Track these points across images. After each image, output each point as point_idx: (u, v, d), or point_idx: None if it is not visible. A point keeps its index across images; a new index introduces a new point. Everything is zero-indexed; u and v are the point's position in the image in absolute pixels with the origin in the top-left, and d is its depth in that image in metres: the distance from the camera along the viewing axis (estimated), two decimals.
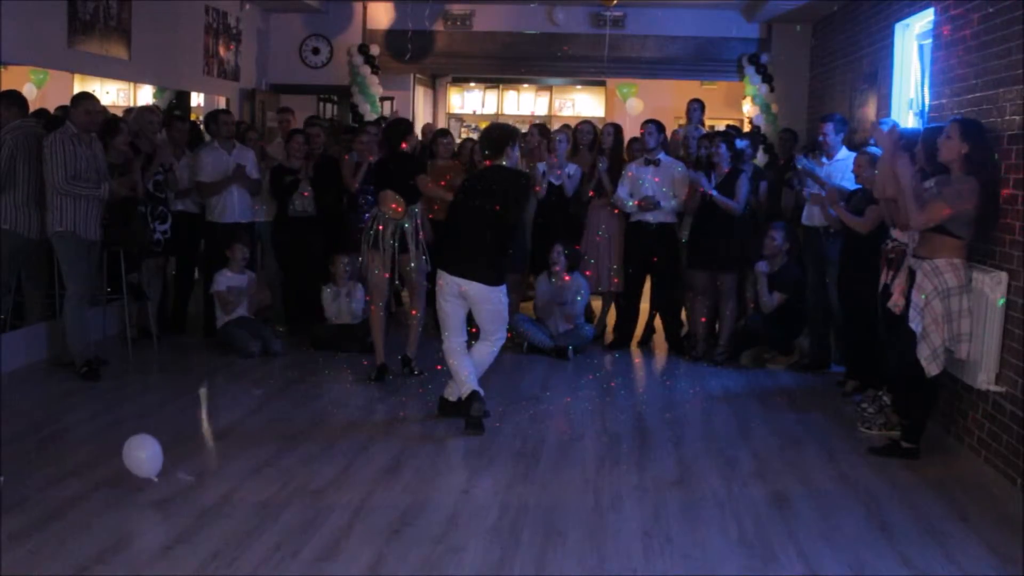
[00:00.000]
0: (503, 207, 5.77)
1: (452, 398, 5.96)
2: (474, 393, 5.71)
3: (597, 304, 8.69)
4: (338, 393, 6.81)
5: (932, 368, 5.18)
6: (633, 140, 8.44)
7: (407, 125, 7.28)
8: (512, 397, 6.49)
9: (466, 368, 5.79)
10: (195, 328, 8.30)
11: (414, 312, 7.05)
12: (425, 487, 4.79)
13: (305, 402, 6.33)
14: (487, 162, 6.04)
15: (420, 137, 9.83)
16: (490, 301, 5.82)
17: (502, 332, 6.00)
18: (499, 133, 6.06)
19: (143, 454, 4.70)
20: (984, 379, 5.12)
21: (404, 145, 6.87)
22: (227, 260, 7.78)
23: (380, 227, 6.69)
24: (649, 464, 5.26)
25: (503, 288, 5.89)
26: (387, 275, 6.75)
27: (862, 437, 5.83)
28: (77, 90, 9.15)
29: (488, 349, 5.95)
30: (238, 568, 3.82)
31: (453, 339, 5.88)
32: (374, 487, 4.75)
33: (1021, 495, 4.70)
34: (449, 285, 5.81)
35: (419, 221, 6.85)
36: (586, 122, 8.92)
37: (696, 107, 9.45)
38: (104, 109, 7.48)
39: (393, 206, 6.70)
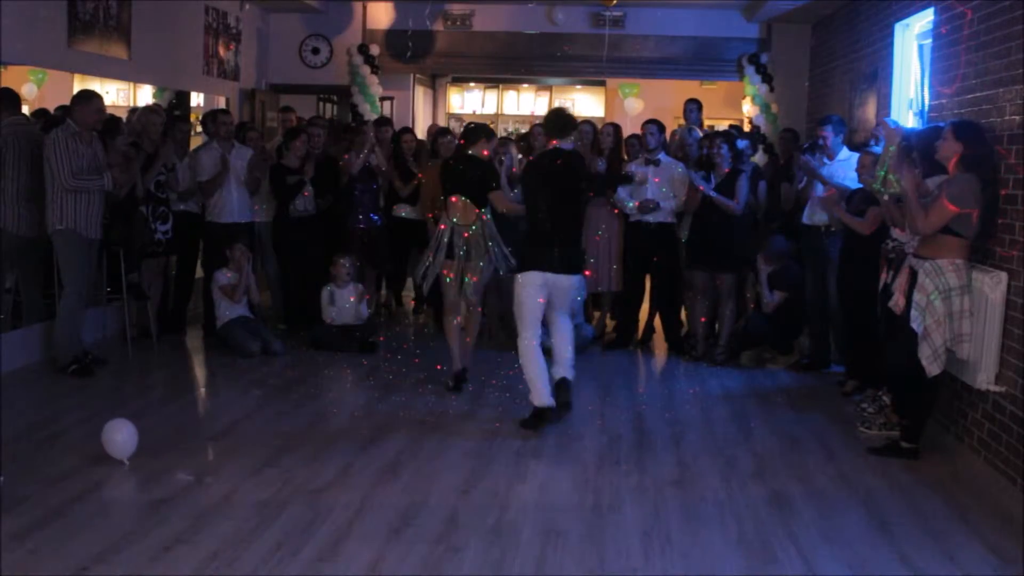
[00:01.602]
0: (575, 186, 5.88)
1: (568, 375, 5.98)
2: (544, 410, 5.78)
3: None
4: (338, 393, 6.82)
5: (933, 368, 5.18)
6: (631, 138, 8.43)
7: (488, 130, 6.89)
8: (512, 397, 6.48)
9: (541, 378, 5.81)
10: (195, 328, 8.30)
11: (468, 339, 6.76)
12: (425, 487, 4.79)
13: (305, 402, 6.33)
14: (552, 142, 5.99)
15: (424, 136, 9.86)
16: (576, 288, 5.97)
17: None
18: (566, 116, 6.09)
19: (117, 436, 4.92)
20: (984, 379, 5.11)
21: (485, 152, 6.61)
22: (226, 260, 7.78)
23: (447, 234, 6.45)
24: (649, 464, 5.27)
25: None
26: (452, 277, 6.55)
27: (862, 437, 5.83)
28: (77, 90, 9.13)
29: (568, 325, 6.02)
30: (238, 568, 3.83)
31: (531, 336, 5.87)
32: (374, 487, 4.75)
33: (1021, 495, 4.70)
34: (539, 282, 5.82)
35: (490, 229, 6.53)
36: (587, 122, 8.90)
37: (693, 107, 9.45)
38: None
39: (449, 214, 6.50)
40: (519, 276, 5.90)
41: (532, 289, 5.83)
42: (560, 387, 5.90)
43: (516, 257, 6.30)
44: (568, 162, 5.91)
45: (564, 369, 5.94)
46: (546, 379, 5.83)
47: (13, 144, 6.67)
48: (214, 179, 7.93)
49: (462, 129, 7.23)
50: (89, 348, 6.98)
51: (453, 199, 6.48)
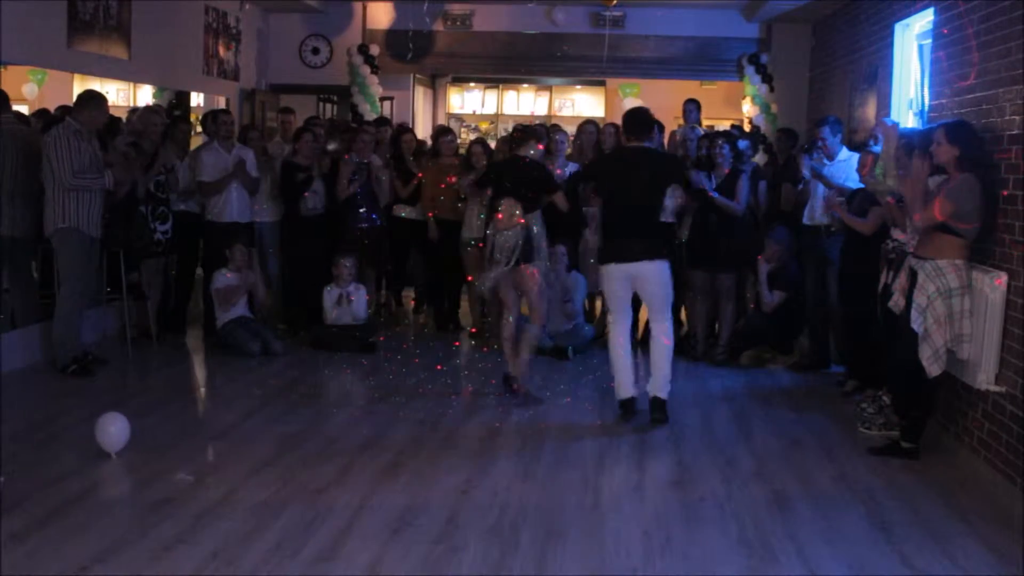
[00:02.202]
0: (653, 185, 6.04)
1: (661, 395, 6.04)
2: (627, 402, 6.00)
3: (597, 304, 8.69)
4: (338, 393, 6.82)
5: (933, 369, 5.18)
6: None
7: (539, 131, 6.85)
8: (512, 397, 6.48)
9: (623, 372, 6.01)
10: (195, 328, 8.30)
11: (522, 350, 6.52)
12: (425, 487, 4.79)
13: (305, 402, 6.33)
14: (631, 141, 6.17)
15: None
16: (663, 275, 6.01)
17: (670, 312, 6.17)
18: (647, 115, 6.23)
19: (111, 428, 5.04)
20: (984, 379, 5.11)
21: (541, 146, 6.75)
22: (226, 260, 7.78)
23: (496, 239, 6.35)
24: (649, 464, 5.27)
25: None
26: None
27: (862, 437, 5.83)
28: (77, 90, 9.14)
29: (664, 339, 6.08)
30: (238, 568, 3.82)
31: (619, 332, 6.05)
32: (374, 487, 4.75)
33: (1021, 495, 4.70)
34: (621, 275, 5.98)
35: (540, 230, 6.52)
36: (589, 121, 8.92)
37: (692, 107, 9.45)
38: None
39: (501, 216, 6.36)
40: (602, 269, 6.10)
41: (616, 282, 6.03)
42: (653, 406, 6.03)
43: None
44: (652, 159, 6.16)
45: (658, 388, 6.04)
46: (630, 372, 6.04)
47: (7, 144, 6.66)
48: (219, 181, 7.90)
49: (512, 131, 7.28)
50: (89, 348, 6.97)
51: (505, 202, 6.35)
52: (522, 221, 6.33)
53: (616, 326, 6.14)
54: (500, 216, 6.36)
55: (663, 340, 6.05)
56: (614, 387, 6.12)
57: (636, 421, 5.98)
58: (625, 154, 6.35)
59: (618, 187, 6.09)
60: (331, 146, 8.48)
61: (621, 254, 5.99)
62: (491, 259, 6.40)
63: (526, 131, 6.87)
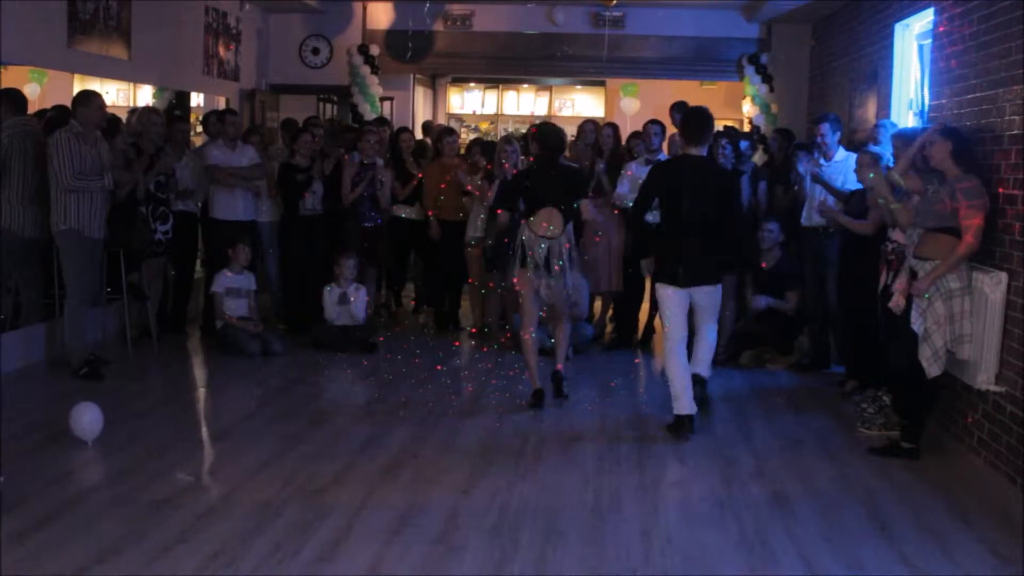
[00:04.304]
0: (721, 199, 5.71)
1: (703, 373, 5.99)
2: (685, 419, 5.70)
3: (597, 304, 8.69)
4: (338, 393, 6.82)
5: (933, 369, 5.18)
6: (633, 136, 8.41)
7: (561, 132, 6.39)
8: (512, 397, 6.48)
9: (682, 383, 5.72)
10: (195, 328, 8.30)
11: (559, 346, 6.37)
12: (425, 487, 4.79)
13: (305, 402, 6.33)
14: (689, 146, 5.73)
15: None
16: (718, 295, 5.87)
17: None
18: (709, 118, 5.78)
19: (85, 417, 5.14)
20: (984, 379, 5.11)
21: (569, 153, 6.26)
22: (228, 260, 7.78)
23: (529, 250, 6.04)
24: (649, 464, 5.27)
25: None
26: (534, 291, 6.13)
27: (862, 437, 5.83)
28: (77, 90, 9.14)
29: (711, 336, 5.98)
30: (238, 568, 3.83)
31: (676, 338, 5.79)
32: (374, 487, 4.75)
33: (1021, 495, 4.70)
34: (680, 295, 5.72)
35: (571, 241, 6.17)
36: (589, 121, 8.91)
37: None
38: None
39: (545, 225, 6.01)
40: (659, 289, 5.79)
41: (676, 304, 5.75)
42: (695, 380, 5.88)
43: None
44: (715, 172, 5.88)
45: (702, 368, 5.99)
46: (689, 390, 5.73)
47: (18, 146, 6.68)
48: (253, 168, 8.04)
49: (533, 131, 6.65)
50: (91, 349, 6.97)
51: (544, 209, 6.01)
52: (556, 231, 6.01)
53: (674, 344, 5.79)
54: (544, 224, 6.01)
55: (708, 337, 5.99)
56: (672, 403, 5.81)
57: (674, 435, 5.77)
58: (689, 164, 5.71)
59: (684, 200, 5.61)
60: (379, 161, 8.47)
61: (684, 277, 5.66)
62: (521, 266, 6.08)
63: (551, 134, 6.28)
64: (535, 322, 6.28)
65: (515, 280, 6.24)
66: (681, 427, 5.72)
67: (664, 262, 5.78)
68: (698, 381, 5.98)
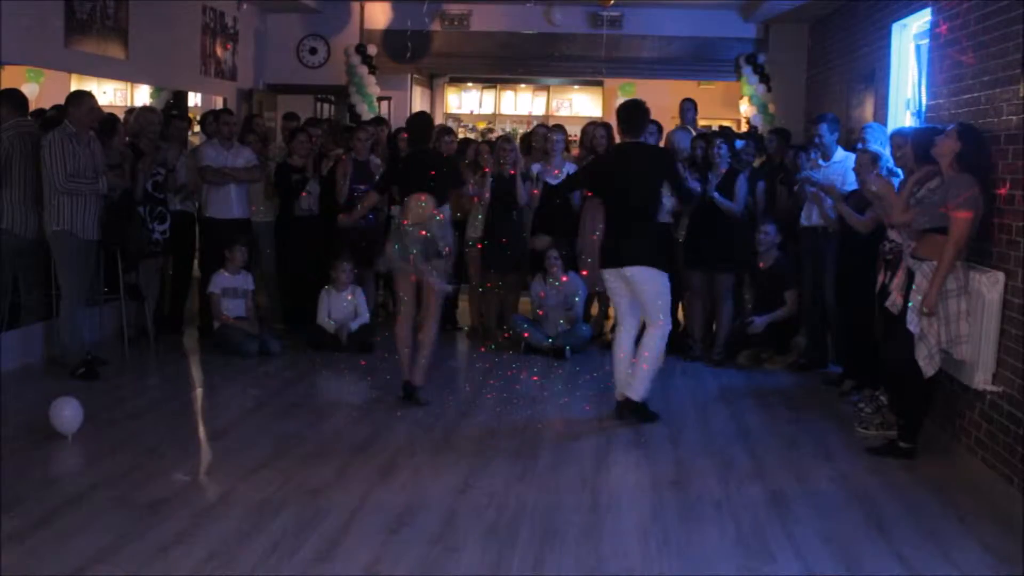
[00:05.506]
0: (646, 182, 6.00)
1: (631, 395, 6.00)
2: (619, 404, 6.01)
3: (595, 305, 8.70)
4: (335, 393, 6.82)
5: (930, 369, 5.19)
6: None
7: (431, 120, 6.65)
8: (509, 397, 6.49)
9: (617, 369, 6.04)
10: (192, 328, 8.30)
11: (422, 335, 6.27)
12: (423, 487, 4.79)
13: (302, 402, 6.33)
14: (624, 137, 6.11)
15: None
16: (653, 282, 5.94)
17: (667, 317, 6.09)
18: (640, 108, 6.05)
19: (65, 412, 5.21)
20: (981, 379, 5.12)
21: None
22: (224, 260, 7.78)
23: (405, 233, 6.08)
24: (647, 464, 5.27)
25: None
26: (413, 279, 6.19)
27: (859, 437, 5.83)
28: (74, 90, 9.13)
29: (654, 345, 5.99)
30: (236, 568, 3.83)
31: (620, 324, 6.10)
32: (372, 487, 4.75)
33: (1018, 495, 4.71)
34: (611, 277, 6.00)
35: (445, 229, 6.19)
36: (592, 123, 8.92)
37: (689, 107, 9.44)
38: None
39: (420, 211, 6.09)
40: (602, 273, 6.10)
41: (613, 286, 6.08)
42: (621, 404, 6.07)
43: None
44: (644, 154, 6.13)
45: (630, 388, 5.99)
46: (625, 377, 6.00)
47: (19, 146, 6.67)
48: (230, 171, 7.95)
49: (410, 122, 6.73)
50: (88, 349, 6.96)
51: (415, 197, 6.13)
52: (427, 217, 6.05)
53: (619, 329, 6.13)
54: (405, 213, 6.15)
55: (648, 343, 5.96)
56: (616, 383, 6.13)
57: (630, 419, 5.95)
58: (618, 152, 6.24)
59: (611, 187, 6.01)
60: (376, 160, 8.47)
61: (613, 258, 5.96)
62: (398, 258, 6.11)
63: (422, 122, 6.51)
64: (412, 313, 6.30)
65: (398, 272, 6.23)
66: (620, 413, 5.98)
67: (602, 247, 6.09)
68: (625, 404, 5.99)
